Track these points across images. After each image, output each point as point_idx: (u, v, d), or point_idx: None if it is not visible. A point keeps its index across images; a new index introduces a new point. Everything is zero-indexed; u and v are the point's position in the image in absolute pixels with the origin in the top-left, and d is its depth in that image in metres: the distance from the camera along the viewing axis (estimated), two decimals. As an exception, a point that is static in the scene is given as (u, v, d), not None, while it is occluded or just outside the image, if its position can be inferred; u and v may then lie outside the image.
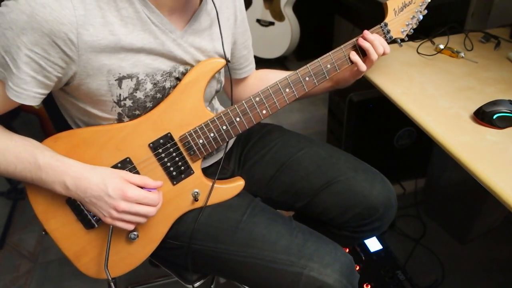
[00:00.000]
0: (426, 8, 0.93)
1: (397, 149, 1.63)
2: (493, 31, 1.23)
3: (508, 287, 1.40)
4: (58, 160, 0.69)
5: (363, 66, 0.86)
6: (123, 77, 0.69)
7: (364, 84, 1.08)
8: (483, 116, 0.85)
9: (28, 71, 0.63)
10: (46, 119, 1.95)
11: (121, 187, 0.69)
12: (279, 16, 2.51)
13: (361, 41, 0.85)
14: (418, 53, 1.16)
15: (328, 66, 0.84)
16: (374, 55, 0.85)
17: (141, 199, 0.71)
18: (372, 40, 0.85)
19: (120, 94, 0.71)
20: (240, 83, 1.00)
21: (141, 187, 0.72)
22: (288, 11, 2.50)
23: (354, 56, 0.86)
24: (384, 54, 0.87)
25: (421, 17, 0.92)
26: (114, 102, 0.71)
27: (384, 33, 0.88)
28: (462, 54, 1.12)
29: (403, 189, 1.72)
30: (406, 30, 0.92)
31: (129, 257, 0.82)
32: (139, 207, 0.71)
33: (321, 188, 0.91)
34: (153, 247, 0.83)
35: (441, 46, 1.15)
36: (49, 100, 0.81)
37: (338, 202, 0.90)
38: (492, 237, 1.55)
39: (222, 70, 0.86)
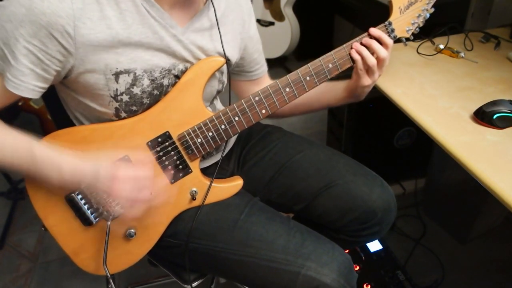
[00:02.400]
0: (433, 6, 0.90)
1: (397, 149, 1.63)
2: (493, 31, 1.23)
3: (508, 287, 1.39)
4: (53, 151, 0.70)
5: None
6: (120, 72, 0.69)
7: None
8: (483, 116, 0.85)
9: (26, 63, 0.63)
10: (46, 119, 1.96)
11: (111, 168, 0.70)
12: (279, 16, 2.51)
13: (353, 53, 0.82)
14: (418, 53, 1.16)
15: (330, 65, 0.83)
16: (360, 65, 0.83)
17: (131, 176, 0.71)
18: (362, 51, 0.82)
19: (117, 89, 0.71)
20: (253, 84, 0.99)
21: None
22: (288, 11, 2.50)
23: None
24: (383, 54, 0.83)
25: (428, 15, 0.89)
26: (111, 96, 0.72)
27: (388, 32, 0.87)
28: (462, 54, 1.12)
29: (403, 189, 1.72)
30: (411, 29, 0.90)
31: (127, 255, 0.82)
32: (134, 186, 0.70)
33: (320, 191, 0.90)
34: (150, 245, 0.83)
35: (441, 46, 1.15)
36: (51, 97, 0.82)
37: (337, 206, 0.89)
38: (492, 237, 1.55)
39: (225, 71, 0.86)
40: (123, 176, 0.69)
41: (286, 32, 2.53)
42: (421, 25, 0.91)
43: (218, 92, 0.89)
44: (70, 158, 0.70)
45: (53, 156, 0.69)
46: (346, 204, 0.89)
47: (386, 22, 0.86)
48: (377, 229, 0.91)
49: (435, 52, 1.15)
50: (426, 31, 1.20)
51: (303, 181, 0.92)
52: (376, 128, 1.56)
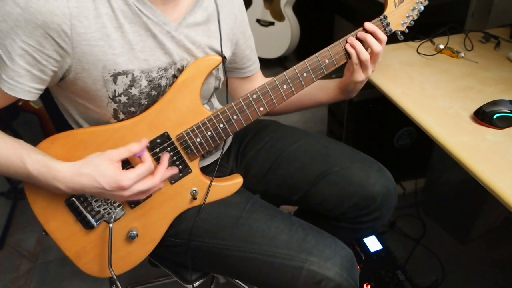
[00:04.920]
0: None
1: (397, 149, 1.63)
2: (493, 31, 1.23)
3: (508, 287, 1.39)
4: (45, 166, 0.67)
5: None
6: (118, 73, 0.69)
7: (364, 84, 1.08)
8: (483, 116, 0.85)
9: (22, 64, 0.63)
10: (46, 119, 1.96)
11: (115, 180, 0.67)
12: (279, 16, 2.51)
13: (348, 47, 0.83)
14: (418, 53, 1.16)
15: (326, 61, 0.83)
16: (355, 59, 0.83)
17: (136, 180, 0.69)
18: (356, 45, 0.82)
19: (115, 90, 0.71)
20: (246, 82, 1.00)
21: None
22: (288, 11, 2.50)
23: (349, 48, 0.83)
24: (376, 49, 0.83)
25: (422, 8, 0.90)
26: (109, 97, 0.71)
27: (383, 25, 0.87)
28: (462, 54, 1.12)
29: (403, 189, 1.72)
30: (406, 22, 0.90)
31: (129, 256, 0.82)
32: (141, 186, 0.70)
33: (317, 179, 0.91)
34: (152, 245, 0.83)
35: (441, 46, 1.15)
36: (49, 100, 0.81)
37: (335, 193, 0.90)
38: (492, 237, 1.55)
39: (221, 67, 0.86)
40: (128, 184, 0.68)
41: (286, 32, 2.53)
42: (415, 18, 0.91)
43: (215, 89, 0.89)
44: (63, 175, 0.67)
45: (46, 173, 0.67)
46: (344, 191, 0.89)
47: (382, 16, 0.87)
48: (378, 214, 0.92)
49: (435, 52, 1.15)
50: (426, 31, 1.20)
51: (300, 171, 0.93)
52: (376, 128, 1.56)
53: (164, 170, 0.74)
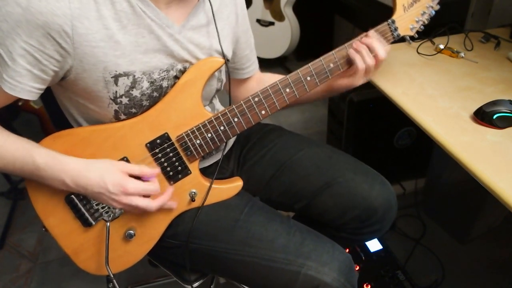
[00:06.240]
0: (439, 3, 0.89)
1: (397, 149, 1.63)
2: (493, 31, 1.23)
3: (508, 287, 1.39)
4: (55, 158, 0.69)
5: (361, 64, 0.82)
6: (120, 75, 0.69)
7: (364, 84, 1.08)
8: (483, 116, 0.85)
9: (23, 63, 0.63)
10: (46, 119, 1.96)
11: (120, 182, 0.70)
12: (279, 16, 2.51)
13: (352, 53, 0.82)
14: (418, 53, 1.16)
15: (331, 65, 0.82)
16: (361, 64, 0.82)
17: (141, 192, 0.72)
18: (361, 49, 0.82)
19: (116, 91, 0.71)
20: (242, 83, 0.99)
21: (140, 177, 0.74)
22: (288, 11, 2.50)
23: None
24: (377, 60, 0.83)
25: (433, 13, 0.88)
26: (111, 99, 0.71)
27: (391, 30, 0.86)
28: (462, 54, 1.12)
29: (403, 189, 1.72)
30: (416, 27, 0.88)
31: (126, 255, 0.82)
32: (139, 201, 0.72)
33: (321, 189, 0.90)
34: (150, 245, 0.83)
35: (441, 46, 1.15)
36: (49, 99, 0.81)
37: (337, 204, 0.89)
38: (492, 237, 1.55)
39: (223, 69, 0.86)
40: (132, 191, 0.70)
41: (286, 32, 2.53)
42: (426, 22, 0.90)
43: (217, 90, 0.89)
44: (72, 167, 0.69)
45: (54, 165, 0.68)
46: (347, 202, 0.89)
47: (389, 21, 0.85)
48: (378, 227, 0.91)
49: (435, 52, 1.15)
50: (426, 31, 1.19)
51: (303, 180, 0.92)
52: (376, 128, 1.56)
53: (166, 200, 0.77)
